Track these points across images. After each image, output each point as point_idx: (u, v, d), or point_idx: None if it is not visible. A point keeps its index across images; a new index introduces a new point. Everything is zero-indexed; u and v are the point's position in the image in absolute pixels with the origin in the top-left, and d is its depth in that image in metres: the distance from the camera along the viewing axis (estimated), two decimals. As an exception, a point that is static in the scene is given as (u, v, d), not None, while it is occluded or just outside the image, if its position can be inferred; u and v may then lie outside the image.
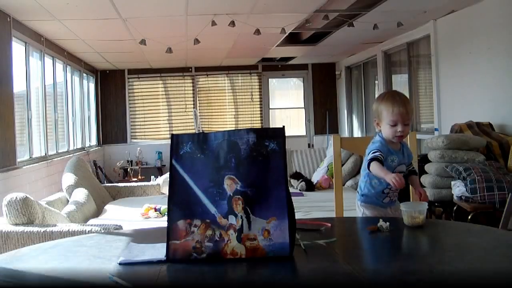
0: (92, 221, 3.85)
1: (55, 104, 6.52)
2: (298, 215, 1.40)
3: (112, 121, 9.62)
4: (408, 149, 2.10)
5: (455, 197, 4.10)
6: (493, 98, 4.86)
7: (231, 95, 10.03)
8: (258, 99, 10.05)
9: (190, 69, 9.74)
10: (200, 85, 9.91)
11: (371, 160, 1.91)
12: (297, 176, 5.91)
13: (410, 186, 2.14)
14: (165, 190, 5.19)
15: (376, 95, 8.28)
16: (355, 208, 2.17)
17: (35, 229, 2.84)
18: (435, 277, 1.07)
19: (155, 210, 4.18)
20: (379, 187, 2.02)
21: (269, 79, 10.12)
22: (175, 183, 1.31)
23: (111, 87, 9.60)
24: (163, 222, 2.26)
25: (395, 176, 1.80)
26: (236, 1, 4.83)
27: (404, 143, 2.11)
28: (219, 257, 1.25)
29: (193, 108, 9.59)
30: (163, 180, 5.67)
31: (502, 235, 1.64)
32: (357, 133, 9.17)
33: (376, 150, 1.95)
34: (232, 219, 1.27)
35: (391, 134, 1.99)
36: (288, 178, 3.53)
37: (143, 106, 9.74)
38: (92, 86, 9.13)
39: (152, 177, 7.00)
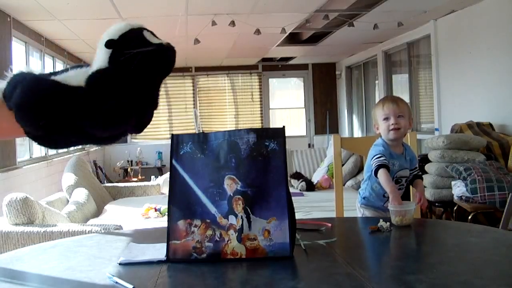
0: (92, 221, 3.86)
1: (55, 104, 6.51)
2: (298, 215, 1.39)
3: (112, 121, 9.61)
4: (411, 152, 2.09)
5: (455, 197, 4.10)
6: (493, 98, 4.86)
7: (231, 95, 10.02)
8: (258, 99, 10.05)
9: (190, 69, 9.73)
10: (200, 85, 9.91)
11: (379, 166, 1.90)
12: (297, 176, 5.91)
13: (414, 189, 2.13)
14: (165, 190, 5.19)
15: (377, 95, 8.28)
16: (355, 208, 2.17)
17: (35, 229, 2.84)
18: (435, 277, 1.07)
19: (155, 210, 4.18)
20: (380, 191, 2.01)
21: (269, 79, 10.12)
22: (175, 183, 1.31)
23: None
24: (163, 222, 2.26)
25: (397, 196, 1.77)
26: (236, 1, 4.83)
27: (407, 146, 2.10)
28: (219, 257, 1.25)
29: (193, 108, 9.58)
30: (163, 180, 5.67)
31: (502, 235, 1.64)
32: (357, 133, 9.17)
33: (380, 155, 1.94)
34: (232, 219, 1.26)
35: (386, 129, 2.01)
36: (288, 178, 3.53)
37: (143, 106, 9.74)
38: (92, 86, 9.12)
39: (152, 177, 7.00)
